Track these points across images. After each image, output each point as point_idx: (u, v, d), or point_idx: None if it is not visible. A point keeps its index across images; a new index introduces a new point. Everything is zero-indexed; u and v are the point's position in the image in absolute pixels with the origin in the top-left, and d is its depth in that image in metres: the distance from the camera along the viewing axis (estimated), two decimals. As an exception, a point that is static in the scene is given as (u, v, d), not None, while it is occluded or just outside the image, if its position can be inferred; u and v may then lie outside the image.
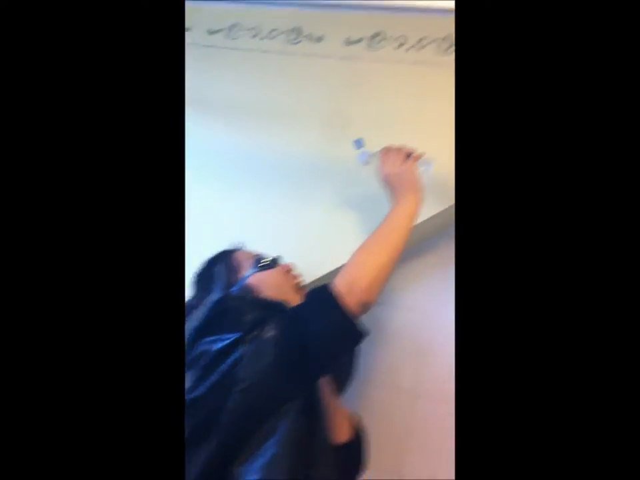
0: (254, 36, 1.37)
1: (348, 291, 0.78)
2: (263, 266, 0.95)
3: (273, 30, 1.36)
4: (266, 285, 0.92)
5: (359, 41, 1.28)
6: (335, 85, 1.28)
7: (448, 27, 1.17)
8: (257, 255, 0.99)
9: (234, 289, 0.92)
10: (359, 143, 1.05)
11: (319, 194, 1.22)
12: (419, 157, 0.98)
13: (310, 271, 1.10)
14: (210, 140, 1.34)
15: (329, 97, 1.28)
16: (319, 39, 1.31)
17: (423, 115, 1.18)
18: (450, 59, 1.19)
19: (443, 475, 1.06)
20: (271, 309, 0.84)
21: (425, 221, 1.09)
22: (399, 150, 0.97)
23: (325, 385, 0.87)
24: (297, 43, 1.33)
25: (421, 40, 1.22)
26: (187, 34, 1.41)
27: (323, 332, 0.77)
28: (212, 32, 1.40)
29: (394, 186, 0.94)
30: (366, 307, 0.79)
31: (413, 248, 1.18)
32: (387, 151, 0.98)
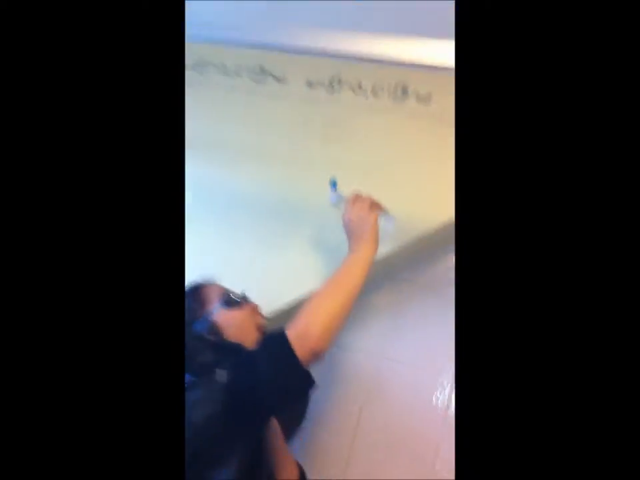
0: (220, 72, 1.42)
1: (300, 338, 0.79)
2: (230, 303, 0.98)
3: (238, 66, 1.41)
4: (230, 323, 0.95)
5: (320, 83, 1.33)
6: (297, 125, 1.33)
7: (401, 75, 1.23)
8: (226, 291, 1.01)
9: (197, 324, 0.95)
10: (334, 184, 1.11)
11: (282, 232, 1.27)
12: (382, 210, 1.02)
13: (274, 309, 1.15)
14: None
15: (291, 137, 1.33)
16: (282, 79, 1.36)
17: (378, 159, 1.24)
18: (401, 106, 1.24)
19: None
20: (227, 351, 0.88)
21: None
22: (365, 199, 1.01)
23: (273, 430, 0.92)
24: (262, 82, 1.38)
25: (374, 87, 1.27)
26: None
27: (274, 378, 0.78)
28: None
29: (353, 232, 0.98)
30: (317, 355, 0.81)
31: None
32: (355, 198, 1.02)
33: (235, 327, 0.95)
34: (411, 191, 1.18)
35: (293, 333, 0.80)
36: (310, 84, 1.34)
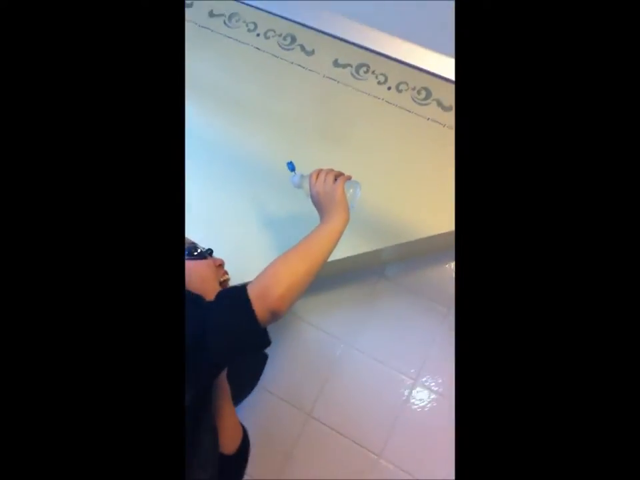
0: (250, 30, 1.40)
1: (259, 296, 0.78)
2: (195, 254, 0.98)
3: (269, 30, 1.40)
4: (193, 274, 0.94)
5: (347, 66, 1.34)
6: (315, 100, 1.33)
7: (428, 80, 1.25)
8: (192, 243, 1.01)
9: None
10: (291, 166, 1.09)
11: (270, 200, 1.27)
12: (347, 178, 1.02)
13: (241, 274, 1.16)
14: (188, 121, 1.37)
15: (307, 110, 1.33)
16: (310, 53, 1.36)
17: (391, 156, 1.27)
18: (422, 108, 1.27)
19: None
20: (185, 300, 0.86)
21: (360, 254, 1.17)
22: (328, 171, 1.01)
23: (220, 387, 0.92)
24: (290, 49, 1.37)
25: (399, 84, 1.29)
26: (187, 10, 1.43)
27: (225, 330, 0.78)
28: (212, 15, 1.42)
29: (322, 205, 0.97)
30: (275, 315, 0.80)
31: (339, 278, 1.26)
32: (317, 172, 1.01)
33: (198, 277, 0.94)
34: (415, 194, 1.21)
35: (254, 289, 0.79)
36: (337, 64, 1.35)
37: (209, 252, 1.02)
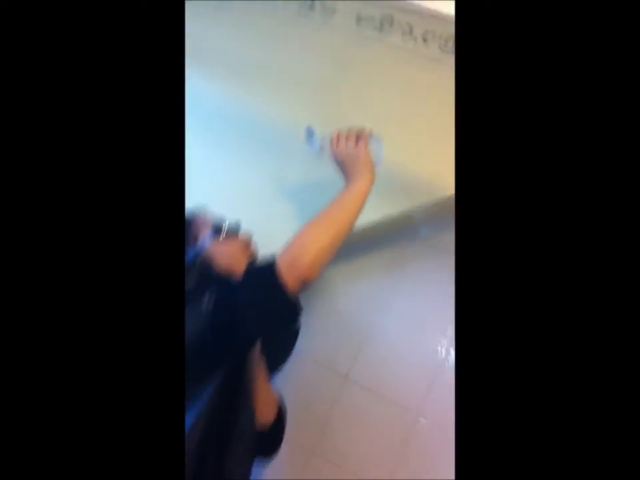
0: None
1: (288, 267, 0.79)
2: (221, 233, 0.98)
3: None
4: (220, 253, 0.96)
5: (370, 19, 1.28)
6: (338, 60, 1.29)
7: (452, 27, 1.18)
8: (217, 221, 1.01)
9: (189, 254, 0.96)
10: (310, 132, 1.07)
11: (292, 167, 1.26)
12: (369, 136, 0.99)
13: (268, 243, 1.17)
14: (204, 89, 1.37)
15: (330, 71, 1.30)
16: (332, 11, 1.31)
17: (419, 110, 1.22)
18: (450, 57, 1.20)
19: (358, 461, 1.16)
20: (215, 280, 0.89)
21: (389, 217, 1.15)
22: (349, 132, 0.98)
23: (254, 360, 0.94)
24: (309, 8, 1.33)
25: (425, 33, 1.22)
26: (204, -22, 1.41)
27: (257, 304, 0.79)
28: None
29: (346, 167, 0.96)
30: (306, 283, 0.80)
31: (370, 244, 1.25)
32: (338, 134, 0.99)
33: (225, 257, 0.95)
34: (446, 148, 1.16)
35: (282, 260, 0.80)
36: (359, 19, 1.29)
37: (237, 227, 1.02)
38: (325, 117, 1.26)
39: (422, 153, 1.19)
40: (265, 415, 0.98)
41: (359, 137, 0.97)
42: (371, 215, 1.18)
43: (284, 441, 1.01)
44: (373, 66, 1.27)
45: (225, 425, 0.84)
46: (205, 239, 0.98)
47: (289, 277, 0.78)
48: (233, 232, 1.01)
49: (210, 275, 0.91)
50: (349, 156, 0.96)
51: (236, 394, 0.86)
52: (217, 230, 0.99)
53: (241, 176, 1.28)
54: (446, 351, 1.16)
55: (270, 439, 0.99)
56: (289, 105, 1.30)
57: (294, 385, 1.10)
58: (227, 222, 1.02)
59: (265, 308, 0.79)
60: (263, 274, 0.81)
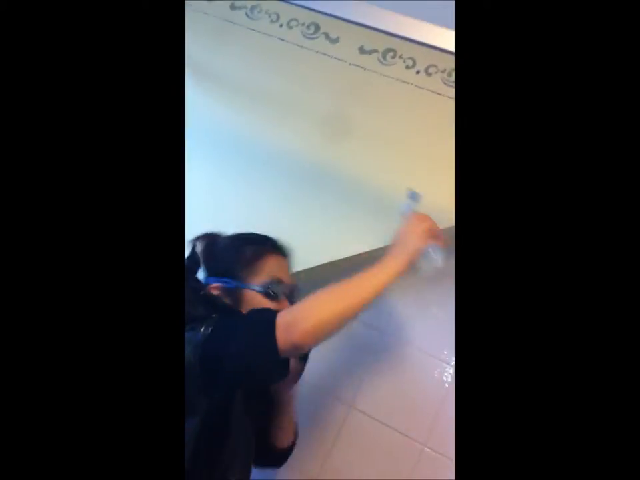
0: (273, 21, 1.39)
1: (285, 329, 0.76)
2: (269, 295, 0.93)
3: (292, 20, 1.38)
4: (253, 305, 0.91)
5: (373, 52, 1.31)
6: (341, 89, 1.31)
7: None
8: (274, 279, 0.94)
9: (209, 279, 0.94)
10: (414, 196, 1.00)
11: (298, 195, 1.27)
12: (438, 240, 0.90)
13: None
14: (210, 115, 1.37)
15: (335, 99, 1.31)
16: (335, 41, 1.34)
17: (421, 139, 1.24)
18: (452, 90, 1.24)
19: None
20: (218, 310, 0.86)
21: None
22: (427, 222, 0.92)
23: (285, 388, 0.94)
24: (314, 38, 1.35)
25: (428, 67, 1.26)
26: (208, 4, 1.42)
27: (245, 352, 0.77)
28: (234, 8, 1.41)
29: (394, 245, 0.89)
30: (297, 349, 0.78)
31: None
32: (418, 215, 0.94)
33: (252, 306, 0.91)
34: (450, 180, 1.18)
35: (282, 318, 0.77)
36: (363, 50, 1.32)
37: (290, 294, 0.97)
38: (331, 144, 1.28)
39: (427, 184, 1.20)
40: (284, 438, 0.98)
41: (430, 231, 0.90)
42: (371, 243, 1.20)
43: (287, 466, 1.02)
44: (377, 96, 1.30)
45: (205, 465, 0.81)
46: (255, 285, 0.93)
47: (282, 337, 0.75)
48: (280, 297, 0.95)
49: (216, 305, 0.89)
50: (404, 234, 0.89)
51: (225, 426, 0.84)
52: (266, 290, 0.93)
53: (245, 200, 1.27)
54: (451, 379, 1.16)
55: (281, 459, 1.00)
56: (295, 131, 1.30)
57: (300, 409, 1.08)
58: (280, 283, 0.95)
59: (252, 359, 0.77)
60: (261, 323, 0.79)
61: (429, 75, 1.27)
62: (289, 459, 1.02)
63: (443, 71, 1.26)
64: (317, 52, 1.35)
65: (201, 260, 0.96)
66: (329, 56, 1.34)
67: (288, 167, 1.28)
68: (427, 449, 1.14)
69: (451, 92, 1.25)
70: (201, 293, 0.90)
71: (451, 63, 1.24)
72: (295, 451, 1.02)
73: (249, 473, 0.93)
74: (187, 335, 0.77)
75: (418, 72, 1.28)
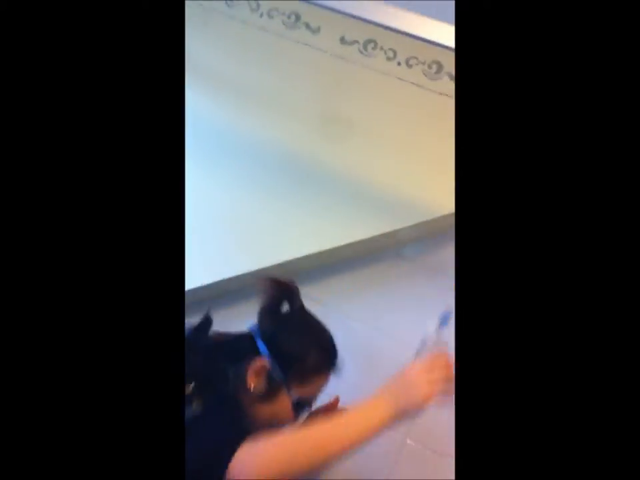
0: (253, 10, 1.36)
1: (240, 465, 0.69)
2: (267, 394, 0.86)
3: (273, 9, 1.36)
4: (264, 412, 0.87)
5: (354, 42, 1.30)
6: (322, 80, 1.30)
7: (438, 53, 1.22)
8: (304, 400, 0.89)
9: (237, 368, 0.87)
10: (445, 319, 0.88)
11: (281, 189, 1.25)
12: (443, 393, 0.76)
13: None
14: (187, 105, 1.33)
15: (318, 90, 1.30)
16: (316, 31, 1.33)
17: (402, 131, 1.24)
18: (434, 83, 1.24)
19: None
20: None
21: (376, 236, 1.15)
22: (440, 371, 0.76)
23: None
24: (294, 28, 1.34)
25: (409, 59, 1.26)
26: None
27: (202, 460, 0.71)
28: (213, -5, 1.38)
29: (392, 383, 0.77)
30: None
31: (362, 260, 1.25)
32: (434, 357, 0.80)
33: (276, 408, 0.87)
34: (430, 171, 1.19)
35: (240, 457, 0.69)
36: (344, 41, 1.31)
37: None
38: (310, 135, 1.26)
39: (407, 174, 1.20)
40: None
41: (439, 383, 0.76)
42: (356, 233, 1.19)
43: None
44: (358, 87, 1.29)
45: None
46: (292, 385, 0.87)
47: (235, 468, 0.69)
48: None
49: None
50: (412, 381, 0.75)
51: None
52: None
53: (227, 195, 1.25)
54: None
55: None
56: (274, 122, 1.29)
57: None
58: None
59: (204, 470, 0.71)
60: (216, 457, 0.71)
61: (410, 66, 1.27)
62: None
63: (424, 63, 1.26)
64: (297, 42, 1.33)
65: (260, 317, 0.91)
66: (310, 46, 1.33)
67: (270, 158, 1.26)
68: (409, 441, 1.13)
69: (432, 84, 1.25)
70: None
71: (432, 54, 1.25)
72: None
73: None
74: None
75: (399, 63, 1.28)
